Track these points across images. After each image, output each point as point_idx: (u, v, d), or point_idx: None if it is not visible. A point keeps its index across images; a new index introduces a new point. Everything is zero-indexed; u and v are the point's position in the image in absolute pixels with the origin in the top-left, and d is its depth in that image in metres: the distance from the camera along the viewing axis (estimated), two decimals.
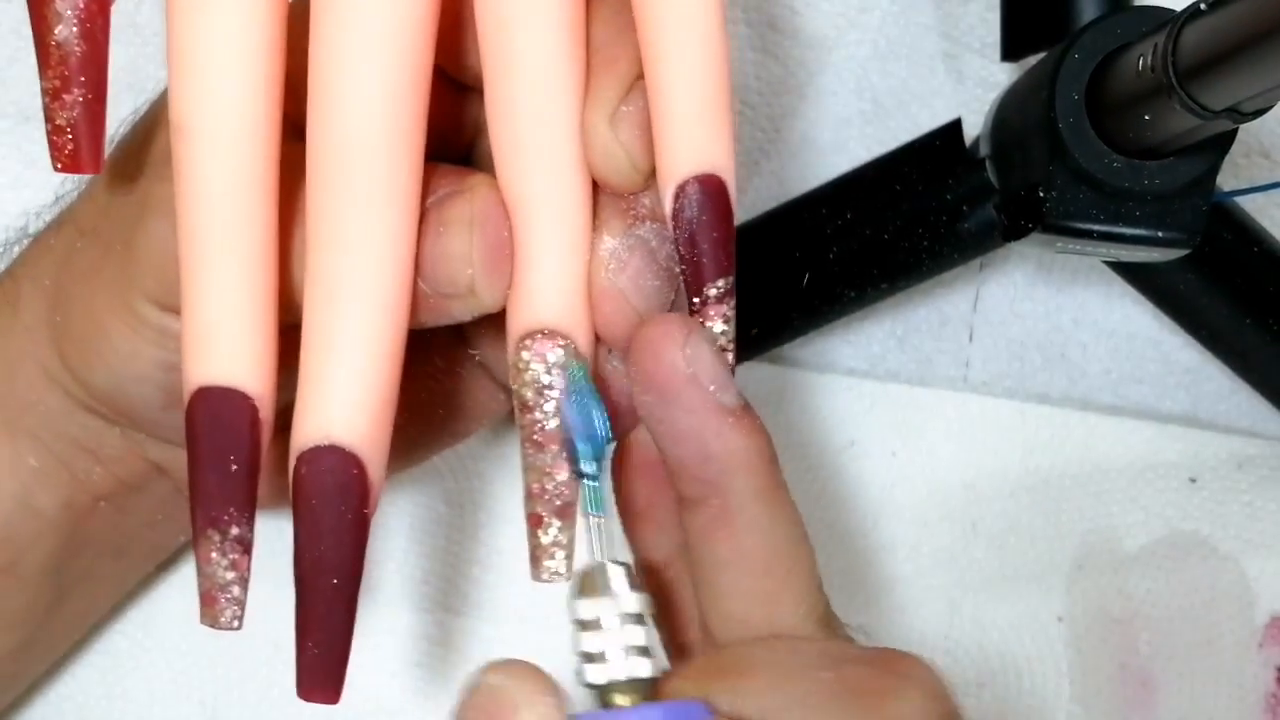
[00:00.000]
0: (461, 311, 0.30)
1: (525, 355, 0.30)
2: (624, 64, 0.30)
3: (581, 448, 0.29)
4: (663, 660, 0.28)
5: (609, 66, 0.30)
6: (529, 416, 0.30)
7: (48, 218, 0.37)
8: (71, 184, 0.38)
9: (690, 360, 0.29)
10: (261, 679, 0.45)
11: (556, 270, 0.30)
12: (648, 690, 0.28)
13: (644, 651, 0.28)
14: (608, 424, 0.29)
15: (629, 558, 0.30)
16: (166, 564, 0.45)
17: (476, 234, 0.29)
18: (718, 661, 0.29)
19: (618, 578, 0.28)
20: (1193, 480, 0.49)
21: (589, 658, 0.28)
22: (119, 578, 0.43)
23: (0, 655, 0.39)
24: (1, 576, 0.37)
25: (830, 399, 0.48)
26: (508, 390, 0.37)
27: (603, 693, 0.28)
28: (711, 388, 0.29)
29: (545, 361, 0.30)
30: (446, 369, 0.36)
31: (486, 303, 0.30)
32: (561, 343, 0.30)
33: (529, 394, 0.30)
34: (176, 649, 0.45)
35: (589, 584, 0.28)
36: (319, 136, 0.28)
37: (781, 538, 0.29)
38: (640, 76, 0.30)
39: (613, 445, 0.30)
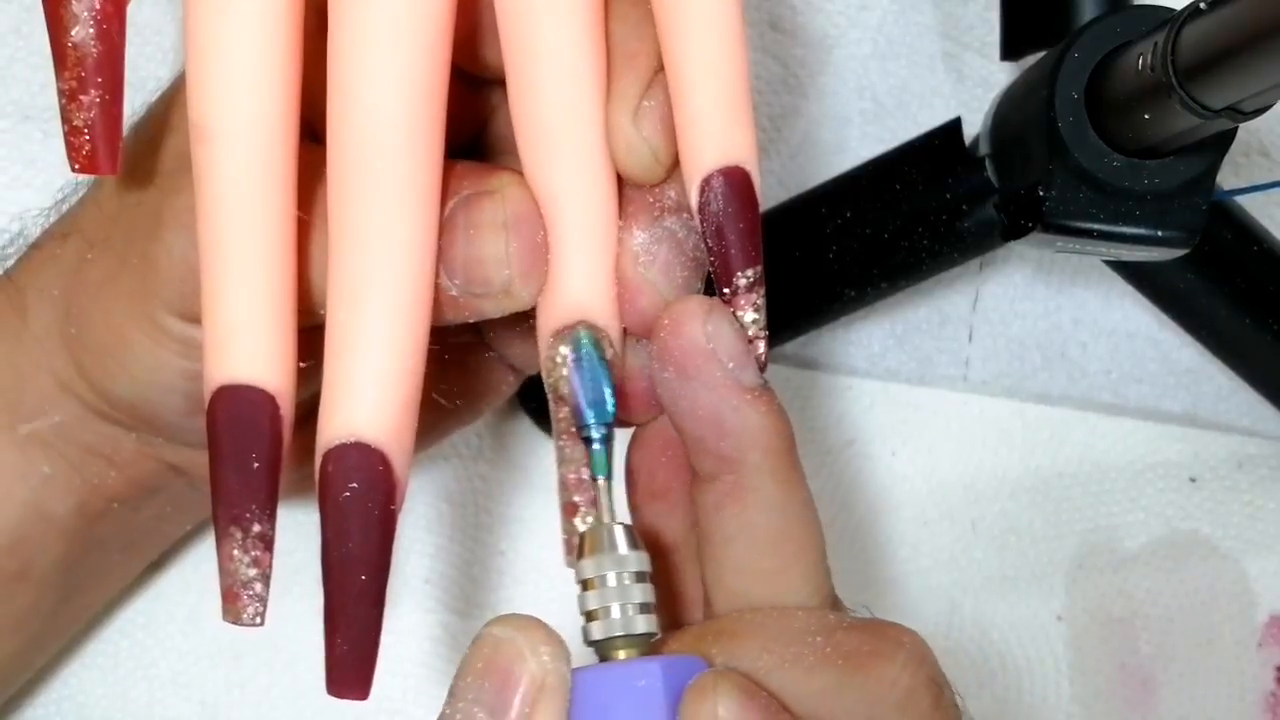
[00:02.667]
0: (493, 310, 0.30)
1: (564, 350, 0.30)
2: (643, 58, 0.30)
3: (588, 412, 0.30)
4: (656, 620, 0.29)
5: (629, 61, 0.30)
6: (566, 410, 0.30)
7: (44, 223, 0.37)
8: (71, 186, 0.38)
9: (710, 336, 0.29)
10: (261, 679, 0.45)
11: (588, 265, 0.30)
12: (647, 646, 0.28)
13: (644, 609, 0.28)
14: (613, 389, 0.30)
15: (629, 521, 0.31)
16: (168, 562, 0.45)
17: (513, 237, 0.30)
18: (712, 627, 0.29)
19: (620, 537, 0.29)
20: (1193, 480, 0.49)
21: (591, 615, 0.28)
22: (126, 570, 0.43)
23: (9, 654, 0.39)
24: (12, 581, 0.37)
25: (830, 399, 0.48)
26: (518, 371, 0.37)
27: (604, 648, 0.28)
28: (730, 365, 0.29)
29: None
30: (458, 354, 0.36)
31: (523, 301, 0.30)
32: (601, 337, 0.30)
33: (565, 388, 0.30)
34: (176, 649, 0.45)
35: (593, 543, 0.29)
36: (339, 136, 0.28)
37: (792, 518, 0.30)
38: (660, 69, 0.30)
39: (614, 417, 0.30)
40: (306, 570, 0.40)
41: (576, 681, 0.27)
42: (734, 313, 0.30)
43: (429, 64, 0.28)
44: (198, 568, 0.45)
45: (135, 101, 0.34)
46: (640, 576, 0.29)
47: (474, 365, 0.37)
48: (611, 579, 0.28)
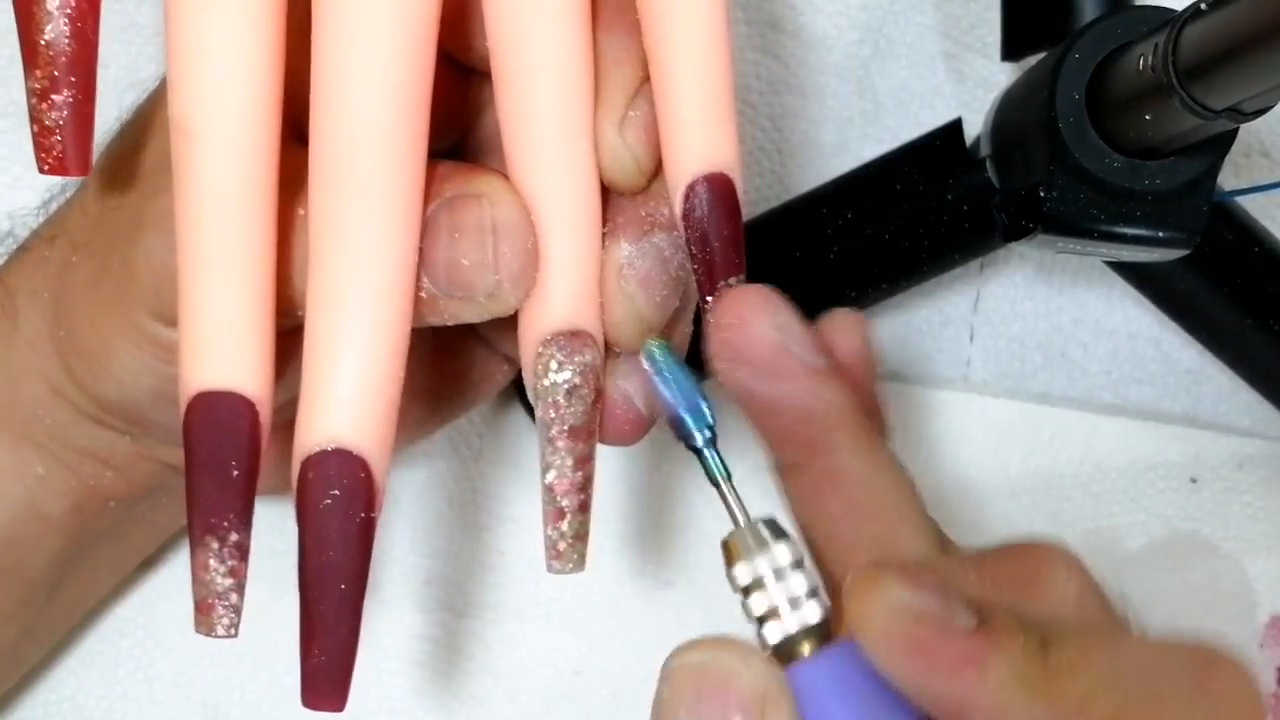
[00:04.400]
0: (473, 314, 0.30)
1: (561, 356, 0.30)
2: (629, 67, 0.30)
3: (690, 420, 0.29)
4: (826, 599, 0.28)
5: (615, 69, 0.30)
6: (552, 415, 0.30)
7: (32, 224, 0.37)
8: (58, 187, 0.37)
9: (781, 328, 0.29)
10: (262, 679, 0.45)
11: (573, 272, 0.30)
12: (824, 631, 0.27)
13: (812, 593, 0.27)
14: (702, 390, 0.29)
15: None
16: (167, 561, 0.45)
17: (504, 243, 0.29)
18: None
19: (764, 533, 0.28)
20: (1193, 480, 0.49)
21: (762, 620, 0.27)
22: (120, 563, 0.43)
23: (1, 648, 0.39)
24: (3, 577, 0.37)
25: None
26: (511, 360, 0.37)
27: (785, 647, 0.27)
28: (801, 352, 0.29)
29: (574, 363, 0.30)
30: (450, 344, 0.36)
31: (509, 306, 0.30)
32: (590, 344, 0.30)
33: (559, 395, 0.30)
34: (176, 649, 0.45)
35: (738, 548, 0.28)
36: (322, 137, 0.28)
37: (888, 483, 0.29)
38: (645, 78, 0.30)
39: (714, 419, 0.29)
40: None
41: (792, 681, 0.26)
42: None
43: (414, 64, 0.28)
44: None
45: (137, 101, 0.34)
46: (797, 564, 0.28)
47: (466, 355, 0.37)
48: (770, 577, 0.27)
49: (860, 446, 0.29)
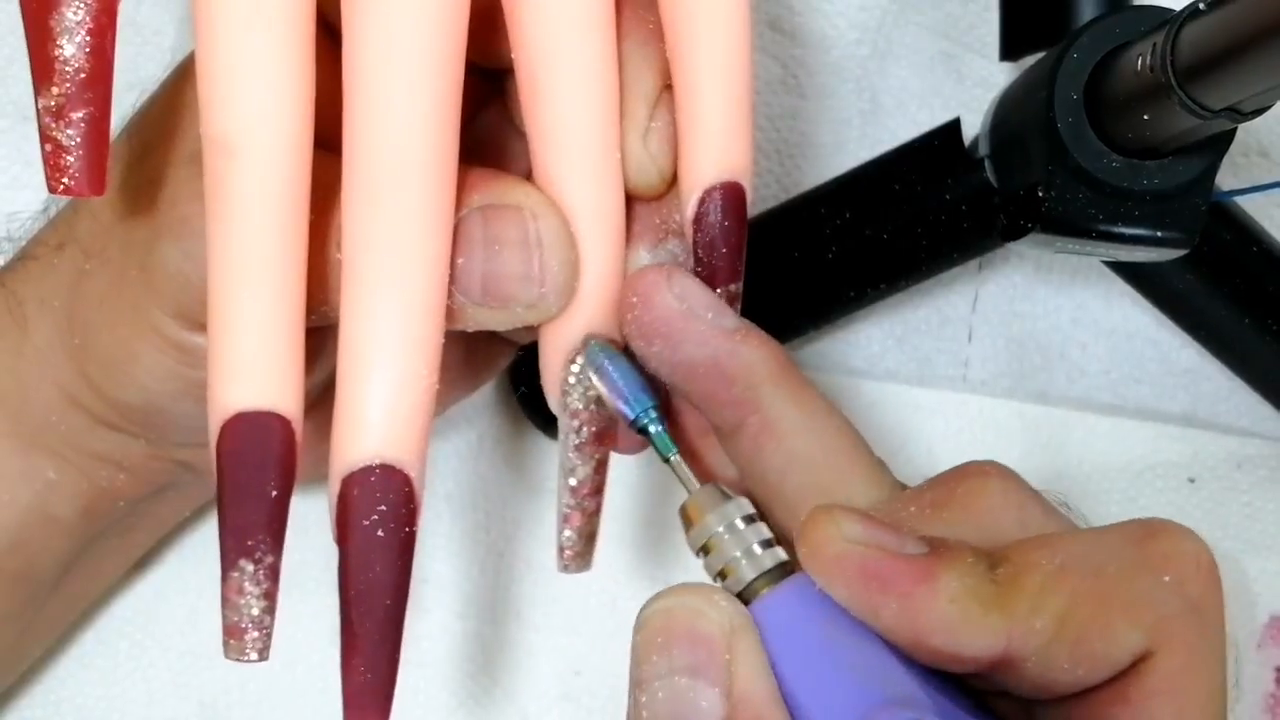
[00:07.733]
0: (505, 322, 0.30)
1: (581, 362, 0.30)
2: (650, 76, 0.30)
3: (633, 406, 0.30)
4: (781, 550, 0.29)
5: (637, 78, 0.30)
6: (580, 420, 0.30)
7: (32, 228, 0.37)
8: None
9: (681, 297, 0.29)
10: (261, 679, 0.45)
11: (605, 282, 0.30)
12: (782, 576, 0.28)
13: (766, 544, 0.28)
14: (641, 374, 0.30)
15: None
16: (167, 561, 0.45)
17: (551, 256, 0.29)
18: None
19: (714, 494, 0.29)
20: (1192, 480, 0.49)
21: (722, 574, 0.28)
22: (123, 557, 0.43)
23: (2, 646, 0.39)
24: (12, 580, 0.37)
25: (829, 400, 0.48)
26: (511, 343, 0.37)
27: (746, 597, 0.28)
28: (710, 316, 0.29)
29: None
30: (453, 333, 0.36)
31: (551, 316, 0.30)
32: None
33: (591, 402, 0.30)
34: (176, 649, 0.45)
35: (693, 511, 0.29)
36: (359, 152, 0.27)
37: (828, 429, 0.30)
38: (664, 86, 0.30)
39: (657, 399, 0.30)
40: (307, 569, 0.40)
41: (755, 617, 0.27)
42: None
43: (446, 78, 0.28)
44: (196, 568, 0.45)
45: (137, 101, 0.34)
46: (749, 519, 0.29)
47: (469, 341, 0.37)
48: (724, 532, 0.28)
49: (790, 397, 0.30)
